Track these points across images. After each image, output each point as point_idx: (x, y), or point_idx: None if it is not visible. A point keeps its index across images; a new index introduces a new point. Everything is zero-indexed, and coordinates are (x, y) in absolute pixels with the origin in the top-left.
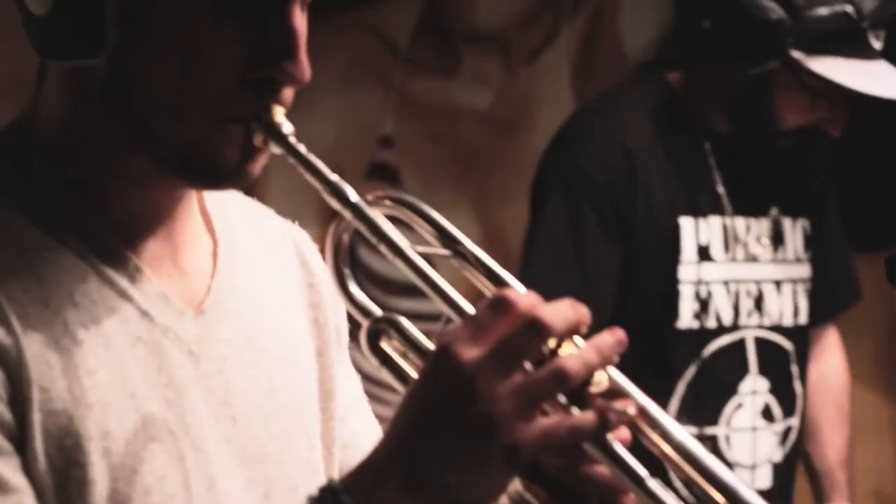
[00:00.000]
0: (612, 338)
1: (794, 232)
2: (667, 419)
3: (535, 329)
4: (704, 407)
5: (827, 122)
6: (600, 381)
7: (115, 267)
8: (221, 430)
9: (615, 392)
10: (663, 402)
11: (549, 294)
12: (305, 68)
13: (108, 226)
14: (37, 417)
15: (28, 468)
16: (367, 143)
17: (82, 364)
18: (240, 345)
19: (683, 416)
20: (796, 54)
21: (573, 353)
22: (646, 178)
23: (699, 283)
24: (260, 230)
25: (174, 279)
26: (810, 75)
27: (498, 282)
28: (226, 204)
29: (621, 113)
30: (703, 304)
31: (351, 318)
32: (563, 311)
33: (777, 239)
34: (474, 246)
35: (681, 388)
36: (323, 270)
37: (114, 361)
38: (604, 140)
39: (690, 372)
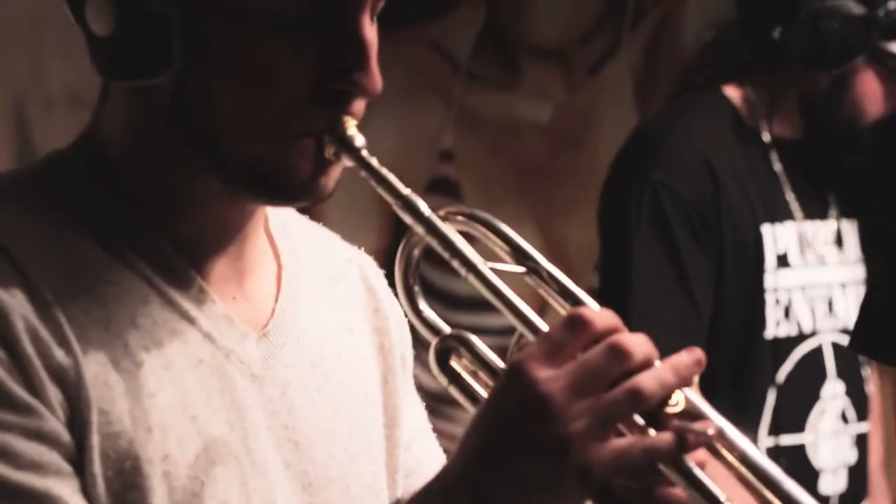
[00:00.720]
0: (690, 358)
1: (853, 233)
2: (744, 441)
3: (617, 356)
4: (794, 414)
5: None
6: (677, 401)
7: (179, 288)
8: (283, 454)
9: (692, 413)
10: (756, 414)
11: (656, 319)
12: (377, 79)
13: (173, 246)
14: (96, 440)
15: (87, 491)
16: (427, 157)
17: (143, 386)
18: (303, 369)
19: (775, 426)
20: (881, 44)
21: (650, 372)
22: (728, 191)
23: (780, 290)
24: (325, 255)
25: (238, 301)
26: (895, 60)
27: (573, 300)
28: (291, 228)
29: (694, 128)
30: (786, 312)
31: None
32: (643, 342)
33: (839, 241)
34: (548, 263)
35: (771, 398)
36: (388, 296)
37: (175, 384)
38: (685, 157)
39: (779, 380)
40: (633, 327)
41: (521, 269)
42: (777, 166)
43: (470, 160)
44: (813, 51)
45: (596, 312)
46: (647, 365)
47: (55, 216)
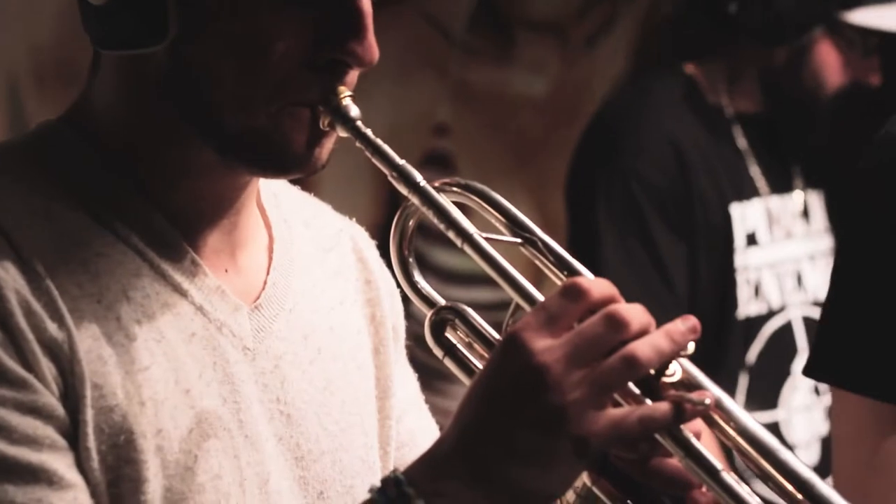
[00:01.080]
0: (685, 325)
1: (819, 204)
2: (741, 412)
3: (614, 324)
4: (766, 392)
5: (865, 73)
6: (674, 371)
7: (171, 261)
8: (275, 427)
9: (689, 383)
10: (730, 391)
11: (632, 299)
12: (374, 49)
13: (166, 218)
14: (90, 414)
15: (81, 465)
16: (422, 131)
17: (136, 360)
18: (296, 341)
19: (748, 405)
20: (838, 14)
21: (645, 339)
22: (696, 173)
23: (750, 269)
24: (317, 226)
25: (230, 274)
26: (852, 30)
27: (569, 270)
28: (282, 199)
29: (659, 112)
30: (756, 290)
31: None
32: (639, 310)
33: (805, 213)
34: (544, 234)
35: (744, 379)
36: (380, 267)
37: (168, 357)
38: (653, 143)
39: (750, 359)
40: None
41: (517, 240)
42: (741, 142)
43: (465, 134)
44: (770, 25)
45: (592, 281)
46: (643, 333)
47: (46, 188)
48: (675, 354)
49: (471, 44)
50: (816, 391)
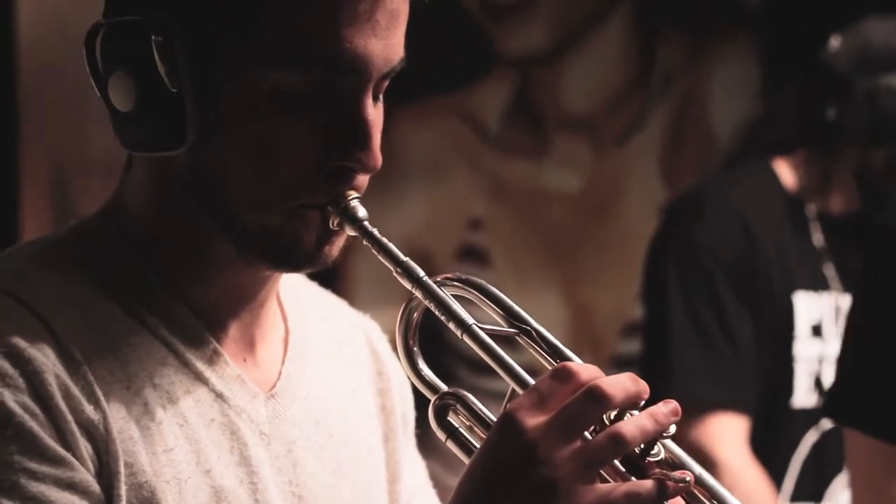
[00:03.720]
0: (667, 407)
1: None
2: (722, 490)
3: (596, 398)
4: (814, 485)
5: None
6: (658, 451)
7: (194, 349)
8: None
9: (671, 462)
10: (778, 479)
11: (702, 371)
12: (377, 157)
13: (190, 309)
14: (123, 490)
15: None
16: (457, 225)
17: (160, 442)
18: (308, 427)
19: (796, 494)
20: None
21: (630, 419)
22: (763, 254)
23: (811, 360)
24: (332, 320)
25: (248, 363)
26: None
27: (562, 357)
28: (300, 293)
29: (734, 192)
30: (816, 382)
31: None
32: (623, 383)
33: None
34: (539, 325)
35: (795, 466)
36: (392, 359)
37: (189, 440)
38: (721, 214)
39: (804, 449)
40: (675, 381)
41: (513, 331)
42: (818, 239)
43: (499, 228)
44: (872, 128)
45: (581, 365)
46: (631, 404)
47: (82, 280)
48: (658, 434)
49: (505, 140)
50: None
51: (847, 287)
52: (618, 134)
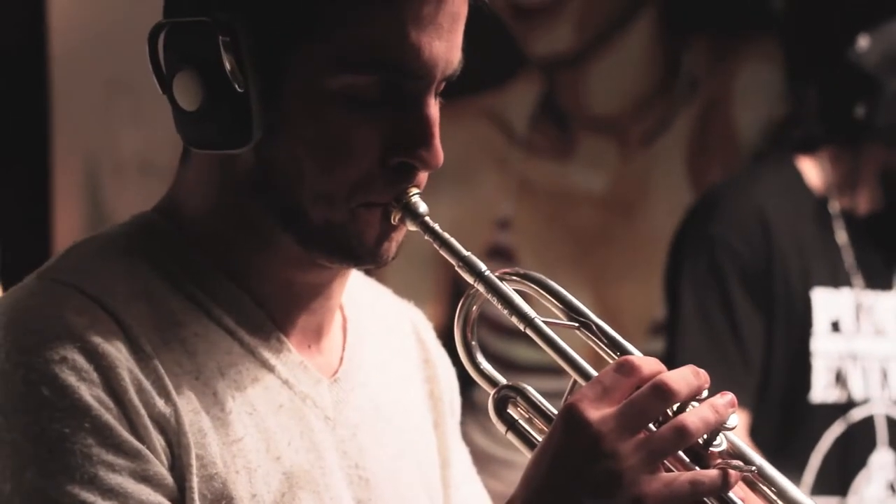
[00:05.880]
0: (724, 399)
1: None
2: (783, 479)
3: (662, 393)
4: (837, 479)
5: None
6: (720, 442)
7: (259, 338)
8: (354, 491)
9: (733, 453)
10: (798, 473)
11: (704, 363)
12: (440, 155)
13: (253, 299)
14: (195, 482)
15: None
16: (485, 225)
17: (231, 432)
18: (370, 412)
19: (817, 488)
20: None
21: (692, 411)
22: (782, 250)
23: (830, 355)
24: (380, 309)
25: (312, 350)
26: None
27: (622, 350)
28: (351, 282)
29: (754, 186)
30: (836, 378)
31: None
32: (686, 377)
33: None
34: (598, 318)
35: (815, 460)
36: (437, 347)
37: (259, 428)
38: (743, 213)
39: (825, 444)
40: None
41: (574, 324)
42: (841, 236)
43: (527, 228)
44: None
45: (643, 358)
46: (694, 396)
47: (146, 274)
48: (719, 424)
49: (532, 141)
50: (893, 489)
51: (869, 283)
52: (644, 135)
